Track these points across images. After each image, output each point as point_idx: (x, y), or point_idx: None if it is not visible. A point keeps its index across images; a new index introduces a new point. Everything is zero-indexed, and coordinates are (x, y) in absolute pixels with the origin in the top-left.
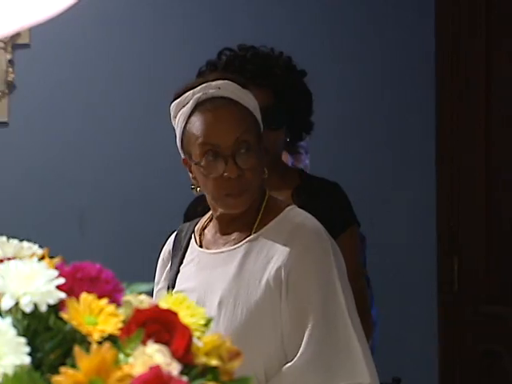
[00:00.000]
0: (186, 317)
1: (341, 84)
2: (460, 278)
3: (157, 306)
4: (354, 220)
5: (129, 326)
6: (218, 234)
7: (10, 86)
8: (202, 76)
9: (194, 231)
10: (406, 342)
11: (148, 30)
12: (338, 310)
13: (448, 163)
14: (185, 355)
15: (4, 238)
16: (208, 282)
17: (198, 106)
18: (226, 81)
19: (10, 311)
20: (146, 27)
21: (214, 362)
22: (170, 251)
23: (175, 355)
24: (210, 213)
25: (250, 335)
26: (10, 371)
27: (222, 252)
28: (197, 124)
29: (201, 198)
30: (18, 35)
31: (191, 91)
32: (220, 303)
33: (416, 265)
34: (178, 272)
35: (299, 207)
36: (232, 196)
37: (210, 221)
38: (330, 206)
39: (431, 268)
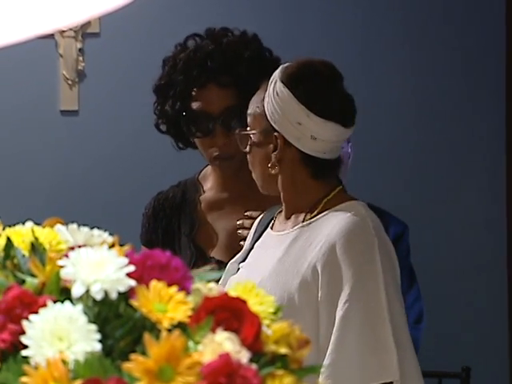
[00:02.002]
0: (255, 305)
1: (406, 70)
2: None
3: (226, 294)
4: None
5: (198, 314)
6: (284, 218)
7: (81, 75)
8: (162, 68)
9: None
10: (476, 332)
11: (218, 19)
12: (377, 306)
13: None
14: (254, 343)
15: (74, 226)
16: (257, 260)
17: None
18: (277, 71)
19: (80, 298)
20: (216, 17)
21: (283, 350)
22: (254, 229)
23: (244, 343)
24: None
25: None
26: (81, 358)
27: (277, 235)
28: None
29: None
30: (88, 24)
31: None
32: (258, 285)
33: (486, 253)
34: (251, 248)
35: None
36: None
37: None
38: None
39: (501, 256)
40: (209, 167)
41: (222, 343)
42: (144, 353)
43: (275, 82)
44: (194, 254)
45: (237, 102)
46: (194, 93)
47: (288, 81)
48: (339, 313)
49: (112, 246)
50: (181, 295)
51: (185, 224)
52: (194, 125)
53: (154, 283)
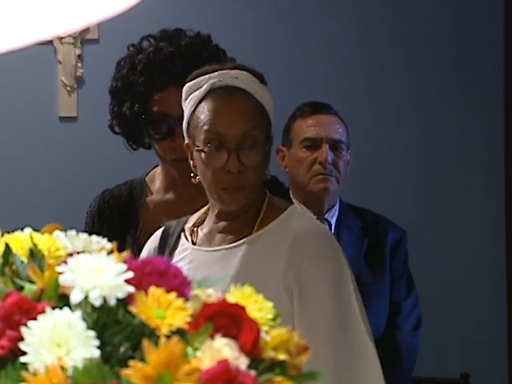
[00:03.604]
0: (253, 311)
1: (407, 70)
2: None
3: (224, 301)
4: None
5: (197, 320)
6: (215, 232)
7: (79, 81)
8: (117, 69)
9: (183, 229)
10: (475, 338)
11: (218, 26)
12: (351, 314)
13: None
14: (253, 349)
15: (73, 232)
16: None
17: (212, 92)
18: (243, 72)
19: (79, 305)
20: (216, 24)
21: (281, 357)
22: (155, 249)
23: (243, 349)
24: (202, 210)
25: None
26: (79, 364)
27: (219, 250)
28: (206, 109)
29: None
30: (86, 30)
31: (207, 75)
32: None
33: (485, 260)
34: None
35: None
36: (228, 191)
37: (205, 219)
38: None
39: (500, 263)
40: (156, 169)
41: (220, 349)
42: (143, 359)
43: (261, 87)
44: (137, 256)
45: None
46: (153, 95)
47: (264, 82)
48: (314, 323)
49: (111, 252)
50: (179, 302)
51: (130, 224)
52: (154, 127)
53: (152, 289)
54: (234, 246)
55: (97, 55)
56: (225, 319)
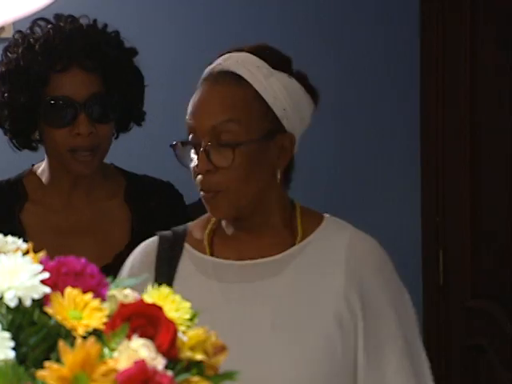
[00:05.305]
0: (170, 311)
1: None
2: (445, 272)
3: (141, 301)
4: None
5: (113, 321)
6: (240, 241)
7: None
8: (5, 55)
9: (184, 239)
10: None
11: (134, 27)
12: (416, 337)
13: (433, 158)
14: (169, 350)
15: None
16: (250, 295)
17: (204, 79)
18: (251, 55)
19: None
20: (132, 25)
21: (198, 357)
22: (153, 262)
23: (160, 350)
24: (205, 217)
25: (320, 363)
26: None
27: (257, 263)
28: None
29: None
30: (1, 29)
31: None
32: (274, 325)
33: (401, 259)
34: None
35: (132, 210)
36: (204, 197)
37: (216, 226)
38: (167, 208)
39: (416, 262)
40: (38, 167)
41: (137, 350)
42: (58, 360)
43: (271, 73)
44: None
45: (103, 89)
46: (53, 77)
47: (288, 69)
48: (384, 349)
49: (26, 252)
50: (96, 302)
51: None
52: (53, 113)
53: (68, 290)
54: (280, 258)
55: None
56: (142, 319)
